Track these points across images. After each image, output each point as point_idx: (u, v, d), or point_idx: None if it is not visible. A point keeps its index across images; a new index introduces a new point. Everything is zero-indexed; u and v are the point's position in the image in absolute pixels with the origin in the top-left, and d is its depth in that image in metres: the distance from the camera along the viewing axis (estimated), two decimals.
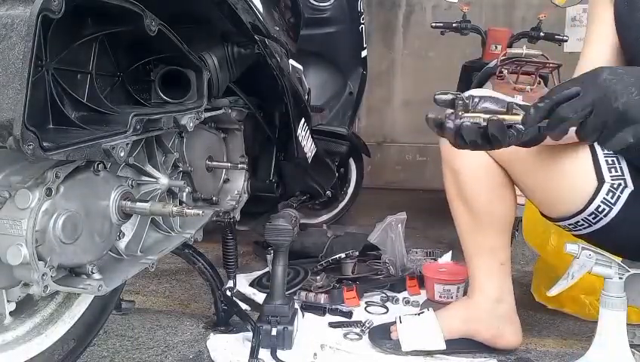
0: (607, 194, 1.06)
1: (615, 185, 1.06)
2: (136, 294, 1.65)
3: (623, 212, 1.06)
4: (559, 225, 1.18)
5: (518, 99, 1.98)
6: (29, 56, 0.63)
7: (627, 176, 1.08)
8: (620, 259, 1.14)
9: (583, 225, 1.11)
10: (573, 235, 1.18)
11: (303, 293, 1.58)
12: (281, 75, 1.28)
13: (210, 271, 1.39)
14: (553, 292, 1.15)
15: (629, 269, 1.10)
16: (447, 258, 1.80)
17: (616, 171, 1.08)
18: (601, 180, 1.07)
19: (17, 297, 0.89)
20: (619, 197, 1.06)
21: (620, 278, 1.10)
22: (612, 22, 1.10)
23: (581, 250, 1.10)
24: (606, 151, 1.10)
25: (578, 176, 1.09)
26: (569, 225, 1.13)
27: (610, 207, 1.06)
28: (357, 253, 1.75)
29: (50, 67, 0.76)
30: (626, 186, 1.06)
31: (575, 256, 1.11)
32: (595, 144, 1.12)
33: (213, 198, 1.32)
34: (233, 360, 1.26)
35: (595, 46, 1.13)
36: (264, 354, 1.24)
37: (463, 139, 0.84)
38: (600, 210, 1.07)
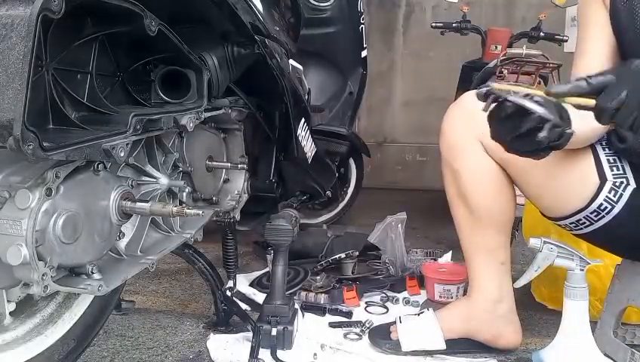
0: (609, 192, 1.07)
1: (617, 183, 1.07)
2: (136, 294, 1.65)
3: (625, 210, 1.06)
4: (560, 225, 1.18)
5: None
6: (29, 57, 0.63)
7: (629, 175, 1.08)
8: (582, 252, 1.17)
9: (584, 223, 1.11)
10: (574, 235, 1.18)
11: (303, 293, 1.57)
12: (281, 75, 1.28)
13: (210, 271, 1.39)
14: (519, 284, 1.20)
15: (589, 261, 1.15)
16: (447, 258, 1.80)
17: (618, 170, 1.08)
18: (603, 178, 1.08)
19: (17, 297, 0.89)
20: (621, 195, 1.07)
21: (581, 270, 1.15)
22: (606, 23, 1.09)
23: (543, 243, 1.15)
24: (607, 151, 1.11)
25: (580, 175, 1.09)
26: (570, 223, 1.14)
27: (612, 204, 1.07)
28: (357, 253, 1.75)
29: (50, 67, 0.76)
30: (628, 184, 1.07)
31: (538, 250, 1.15)
32: (596, 144, 1.12)
33: (213, 198, 1.32)
34: (233, 360, 1.26)
35: (591, 50, 1.12)
36: (264, 354, 1.24)
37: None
38: (602, 207, 1.07)
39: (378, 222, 1.93)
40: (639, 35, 1.03)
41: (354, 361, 1.28)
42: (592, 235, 1.14)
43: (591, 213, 1.09)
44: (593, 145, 1.11)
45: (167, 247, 1.05)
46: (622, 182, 1.07)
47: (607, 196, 1.07)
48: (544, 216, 1.21)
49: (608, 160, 1.09)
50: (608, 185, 1.07)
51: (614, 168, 1.09)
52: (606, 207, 1.07)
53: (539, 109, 0.80)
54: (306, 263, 1.78)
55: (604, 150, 1.11)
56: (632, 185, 1.07)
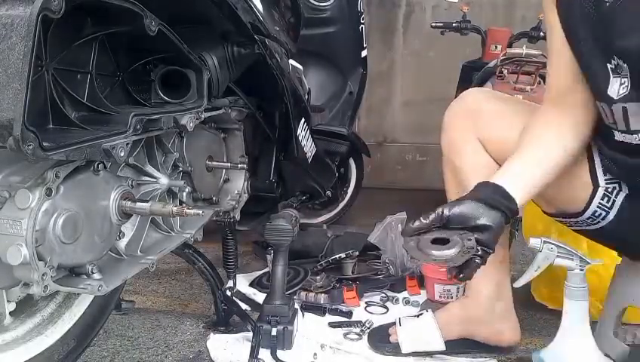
0: (602, 199, 1.06)
1: (610, 189, 1.06)
2: (136, 294, 1.65)
3: (619, 215, 1.05)
4: (558, 220, 1.18)
5: (519, 98, 1.99)
6: (29, 57, 0.62)
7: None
8: (582, 252, 1.16)
9: (581, 224, 1.11)
10: (573, 230, 1.18)
11: (303, 293, 1.58)
12: (281, 75, 1.28)
13: (210, 271, 1.39)
14: (519, 284, 1.19)
15: (589, 261, 1.15)
16: None
17: (612, 174, 1.07)
18: (595, 184, 1.06)
19: (17, 297, 0.89)
20: (614, 201, 1.05)
21: (581, 270, 1.14)
22: (557, 24, 1.02)
23: (543, 243, 1.14)
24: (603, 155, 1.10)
25: (574, 179, 1.08)
26: (570, 221, 1.14)
27: (606, 211, 1.06)
28: (357, 253, 1.75)
29: (50, 67, 0.76)
30: (620, 190, 1.06)
31: (538, 250, 1.14)
32: (593, 147, 1.11)
33: (213, 198, 1.32)
34: (233, 360, 1.26)
35: (555, 58, 1.05)
36: (264, 354, 1.24)
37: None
38: (597, 214, 1.07)
39: (378, 222, 1.93)
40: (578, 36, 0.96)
41: (354, 361, 1.28)
42: (591, 234, 1.14)
43: (587, 218, 1.08)
44: (590, 149, 1.10)
45: (167, 247, 1.05)
46: (614, 188, 1.06)
47: (600, 203, 1.06)
48: (543, 212, 1.21)
49: (603, 164, 1.08)
50: (601, 192, 1.06)
51: (607, 173, 1.07)
52: (600, 214, 1.06)
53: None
54: (306, 263, 1.78)
55: (599, 153, 1.10)
56: (625, 191, 1.05)
